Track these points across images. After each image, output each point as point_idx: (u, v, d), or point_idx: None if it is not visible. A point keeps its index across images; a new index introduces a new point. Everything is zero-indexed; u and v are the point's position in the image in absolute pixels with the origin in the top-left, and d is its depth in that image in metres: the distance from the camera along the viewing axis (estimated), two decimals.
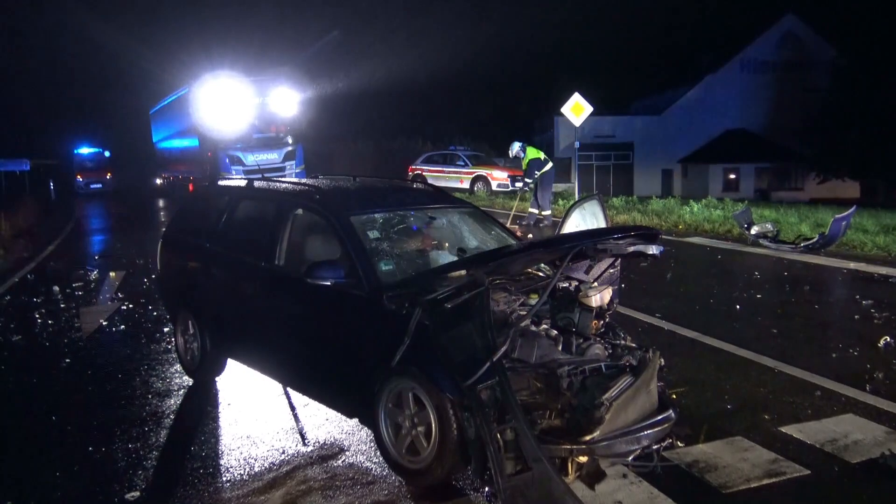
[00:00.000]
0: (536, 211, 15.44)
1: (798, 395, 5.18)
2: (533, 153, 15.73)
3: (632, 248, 4.21)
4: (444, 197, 5.96)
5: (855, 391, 5.22)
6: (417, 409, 3.89)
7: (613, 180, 38.36)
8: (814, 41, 38.78)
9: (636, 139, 39.68)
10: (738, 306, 8.01)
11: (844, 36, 35.45)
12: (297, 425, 4.88)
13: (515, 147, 16.11)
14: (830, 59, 35.99)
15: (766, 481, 3.88)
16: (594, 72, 37.98)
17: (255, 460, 4.34)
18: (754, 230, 12.37)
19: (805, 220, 14.72)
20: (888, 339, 6.39)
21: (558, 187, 29.71)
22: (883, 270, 9.81)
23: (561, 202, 19.88)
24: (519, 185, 16.19)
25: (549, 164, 15.73)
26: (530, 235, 13.47)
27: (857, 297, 8.24)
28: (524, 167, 15.96)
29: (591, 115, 19.47)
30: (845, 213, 11.42)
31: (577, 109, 19.29)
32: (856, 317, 7.44)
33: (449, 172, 25.06)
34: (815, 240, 11.40)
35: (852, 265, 10.28)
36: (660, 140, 39.20)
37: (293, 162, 21.64)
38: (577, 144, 19.99)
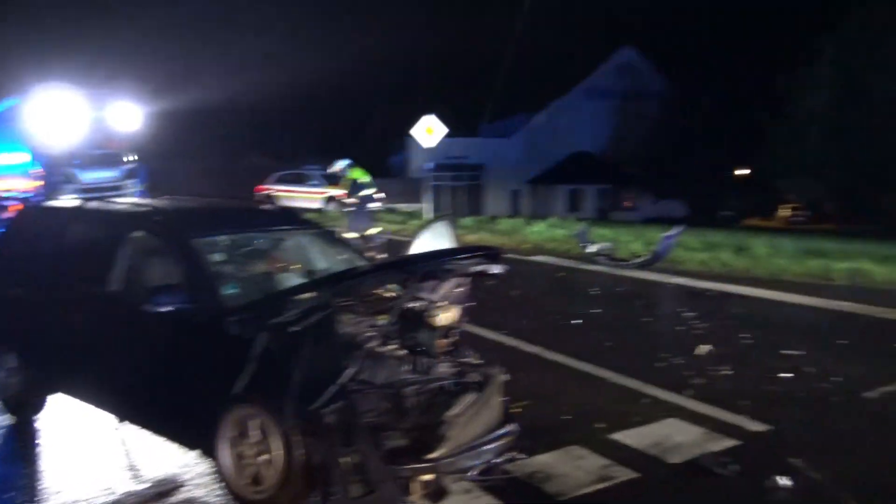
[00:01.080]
0: (372, 231, 15.07)
1: (628, 404, 5.56)
2: (356, 174, 15.45)
3: (476, 268, 4.36)
4: (293, 218, 5.92)
5: (677, 397, 5.67)
6: (261, 437, 3.81)
7: (465, 200, 39.36)
8: (648, 72, 41.87)
9: (487, 161, 40.98)
10: (577, 321, 8.48)
11: (675, 67, 38.63)
12: (132, 461, 4.64)
13: (339, 164, 15.71)
14: (662, 88, 39.07)
15: (598, 486, 4.14)
16: (448, 95, 38.91)
17: (83, 503, 4.08)
18: (593, 248, 13.15)
19: (638, 239, 15.80)
20: (706, 348, 7.01)
21: (411, 207, 30.12)
22: (704, 284, 10.75)
23: (413, 222, 20.16)
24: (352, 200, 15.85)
25: (370, 190, 15.48)
26: (385, 255, 13.55)
27: (682, 309, 8.96)
28: (347, 187, 15.66)
29: (445, 136, 19.92)
30: (672, 232, 12.41)
31: (429, 131, 19.70)
32: (680, 328, 8.09)
33: (301, 192, 24.68)
34: (646, 257, 12.30)
35: (678, 280, 11.18)
36: (509, 162, 40.71)
37: (134, 180, 20.46)
38: (428, 165, 20.41)
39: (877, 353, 7.11)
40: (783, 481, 4.16)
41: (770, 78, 30.18)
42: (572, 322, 8.45)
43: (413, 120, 20.62)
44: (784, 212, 44.60)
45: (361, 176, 15.37)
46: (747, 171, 39.32)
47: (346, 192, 15.69)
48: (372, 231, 15.27)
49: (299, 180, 25.39)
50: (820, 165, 28.94)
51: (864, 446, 4.86)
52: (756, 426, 5.08)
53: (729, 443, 4.77)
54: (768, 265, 12.47)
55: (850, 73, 27.07)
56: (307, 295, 4.10)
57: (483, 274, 4.42)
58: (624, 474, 4.29)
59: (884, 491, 4.18)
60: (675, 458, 4.54)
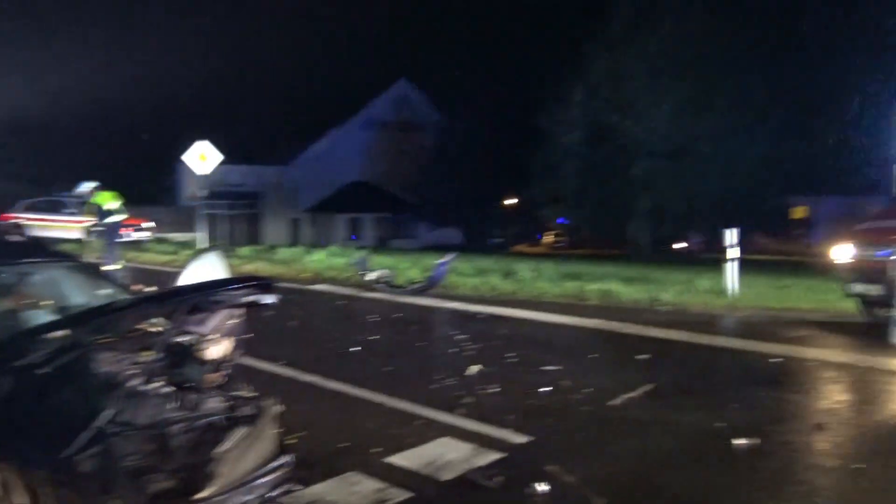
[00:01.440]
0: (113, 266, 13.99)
1: (403, 426, 5.73)
2: (103, 198, 14.32)
3: (248, 299, 4.30)
4: (42, 249, 5.43)
5: (450, 416, 5.95)
6: (1, 493, 3.44)
7: (242, 229, 38.24)
8: (423, 104, 43.68)
9: (266, 189, 40.24)
10: (356, 348, 8.59)
11: (448, 102, 40.74)
12: None
13: (84, 187, 14.52)
14: (436, 120, 40.99)
15: None
16: (223, 121, 37.72)
17: None
18: (372, 276, 13.42)
19: (416, 266, 16.36)
20: (476, 368, 7.44)
21: (185, 236, 28.64)
22: (474, 308, 11.40)
23: (185, 253, 19.22)
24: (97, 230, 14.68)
25: (120, 216, 14.47)
26: (154, 288, 12.76)
27: (455, 332, 9.43)
28: (92, 211, 14.54)
29: (221, 163, 19.30)
30: (445, 259, 13.05)
31: (202, 158, 18.96)
32: (453, 350, 8.50)
33: (57, 221, 22.48)
34: (422, 283, 12.79)
35: (452, 304, 11.74)
36: (289, 190, 40.29)
37: None
38: (202, 193, 19.59)
39: (621, 364, 7.99)
40: (541, 487, 4.53)
41: (533, 115, 32.88)
42: (351, 349, 8.54)
43: (185, 145, 19.75)
44: (548, 238, 48.64)
45: (110, 200, 14.23)
46: (515, 201, 42.32)
47: (95, 218, 14.50)
48: (118, 262, 14.13)
49: (54, 208, 23.10)
50: (575, 197, 31.91)
51: (609, 449, 5.42)
52: (519, 438, 5.48)
53: (495, 456, 5.10)
54: (532, 288, 13.52)
55: (596, 114, 30.26)
56: (59, 333, 3.80)
57: (256, 304, 4.37)
58: (398, 495, 4.42)
59: (625, 487, 4.70)
60: (447, 475, 4.76)
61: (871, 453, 5.30)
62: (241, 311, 4.87)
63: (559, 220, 40.84)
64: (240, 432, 3.84)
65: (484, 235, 39.93)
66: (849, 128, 25.69)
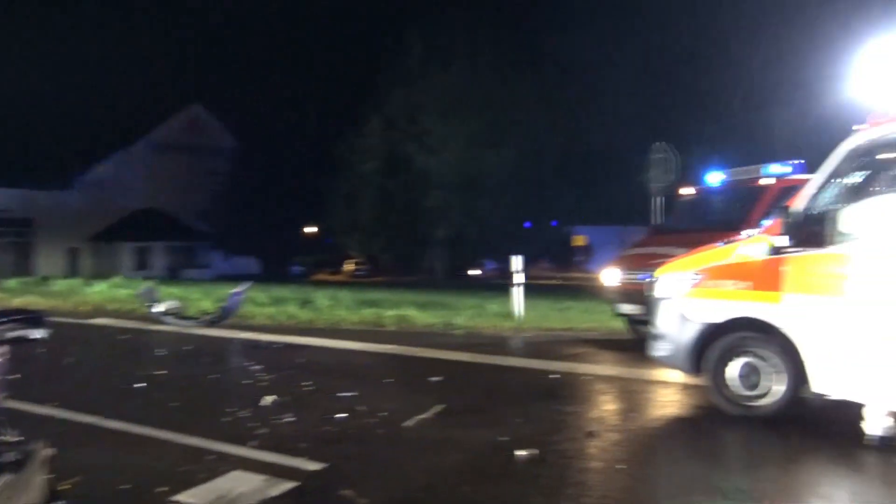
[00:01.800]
0: None
1: (193, 462, 5.51)
2: None
3: (13, 334, 3.97)
4: None
5: (242, 449, 5.81)
6: None
7: (10, 259, 34.53)
8: (217, 129, 42.24)
9: (38, 215, 36.66)
10: (141, 385, 8.11)
11: (244, 128, 39.77)
12: None
13: None
14: (231, 146, 39.83)
15: None
16: None
17: None
18: (160, 308, 12.74)
19: (208, 296, 15.77)
20: (271, 398, 7.33)
21: None
22: (270, 338, 11.21)
23: None
24: None
25: None
26: None
27: (249, 363, 9.22)
28: None
29: None
30: (240, 288, 12.72)
31: None
32: (247, 381, 8.30)
33: None
34: (215, 314, 12.36)
35: (246, 335, 11.46)
36: (66, 217, 37.01)
37: None
38: None
39: (414, 386, 8.25)
40: None
41: (331, 144, 33.09)
42: (134, 386, 8.06)
43: None
44: (349, 266, 48.83)
45: None
46: (315, 229, 42.11)
47: None
48: None
49: None
50: (373, 225, 32.46)
51: (402, 469, 5.58)
52: (313, 466, 5.47)
53: (288, 485, 5.05)
54: (330, 316, 13.57)
55: (393, 145, 31.12)
56: None
57: (22, 340, 4.05)
58: None
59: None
60: None
61: (632, 454, 5.94)
62: (4, 348, 4.48)
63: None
64: (3, 479, 3.52)
65: (283, 264, 39.27)
66: (615, 167, 28.57)
